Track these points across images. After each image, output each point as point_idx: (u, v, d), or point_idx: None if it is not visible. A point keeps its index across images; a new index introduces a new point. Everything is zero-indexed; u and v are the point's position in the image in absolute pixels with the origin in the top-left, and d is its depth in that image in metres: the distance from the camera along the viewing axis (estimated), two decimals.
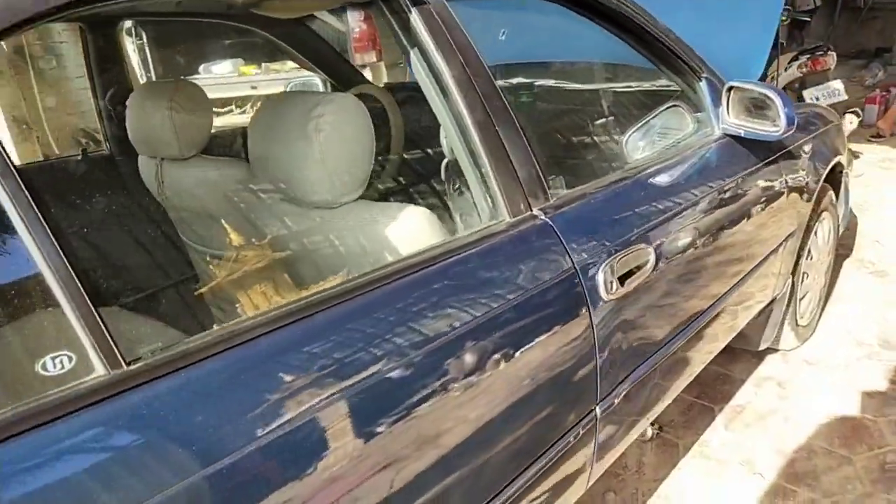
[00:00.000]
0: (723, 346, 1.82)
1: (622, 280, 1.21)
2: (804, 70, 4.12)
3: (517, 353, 1.02)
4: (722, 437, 2.01)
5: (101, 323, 0.66)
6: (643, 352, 1.33)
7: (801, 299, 2.30)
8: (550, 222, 1.13)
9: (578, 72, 2.29)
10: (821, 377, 2.24)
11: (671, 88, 1.74)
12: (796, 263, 2.13)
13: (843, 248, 3.26)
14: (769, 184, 1.76)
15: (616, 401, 1.26)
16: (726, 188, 1.57)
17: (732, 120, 1.63)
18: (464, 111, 1.06)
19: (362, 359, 0.82)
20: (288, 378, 0.75)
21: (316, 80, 2.67)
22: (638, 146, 1.72)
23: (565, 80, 2.37)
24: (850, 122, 4.11)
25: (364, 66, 4.54)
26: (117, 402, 0.65)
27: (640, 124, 1.72)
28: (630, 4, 1.50)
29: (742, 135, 1.63)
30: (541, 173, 1.16)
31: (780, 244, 1.89)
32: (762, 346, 2.21)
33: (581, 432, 1.19)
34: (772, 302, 2.08)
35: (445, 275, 0.97)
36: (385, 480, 0.84)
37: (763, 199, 1.72)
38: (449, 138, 1.11)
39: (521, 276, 1.06)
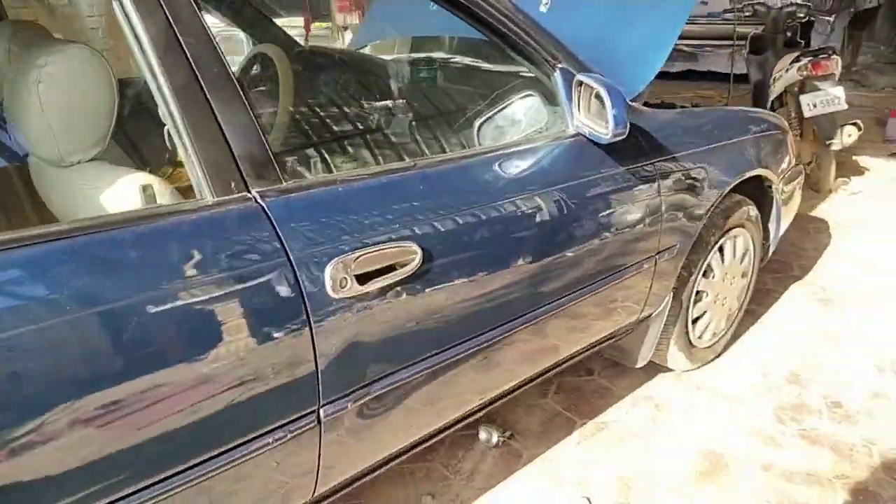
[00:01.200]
0: (550, 363, 1.69)
1: (364, 279, 1.12)
2: (804, 73, 3.84)
3: (212, 341, 0.95)
4: (570, 453, 1.90)
5: None
6: (398, 359, 1.23)
7: (695, 319, 2.15)
8: (266, 207, 1.04)
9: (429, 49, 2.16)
10: (705, 405, 2.11)
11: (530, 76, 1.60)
12: (686, 281, 1.99)
13: (801, 268, 3.06)
14: (627, 192, 1.61)
15: (351, 405, 1.18)
16: (555, 192, 1.44)
17: (580, 117, 1.49)
18: (161, 74, 0.97)
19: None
20: None
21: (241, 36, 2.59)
22: (488, 136, 1.61)
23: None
24: (849, 135, 3.83)
25: (346, 28, 4.46)
26: None
27: (493, 112, 1.60)
28: None
29: (586, 134, 1.49)
30: (269, 152, 1.06)
31: (647, 259, 1.75)
32: (640, 364, 2.08)
33: (295, 432, 1.11)
34: (646, 319, 1.95)
35: (133, 244, 0.90)
36: None
37: (615, 209, 1.58)
38: (159, 104, 1.02)
39: (217, 261, 0.97)
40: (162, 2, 0.97)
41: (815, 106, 3.82)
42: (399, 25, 2.47)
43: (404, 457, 1.46)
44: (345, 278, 1.09)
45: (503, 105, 1.59)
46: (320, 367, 1.10)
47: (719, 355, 2.35)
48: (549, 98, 1.57)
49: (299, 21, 4.52)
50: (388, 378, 1.23)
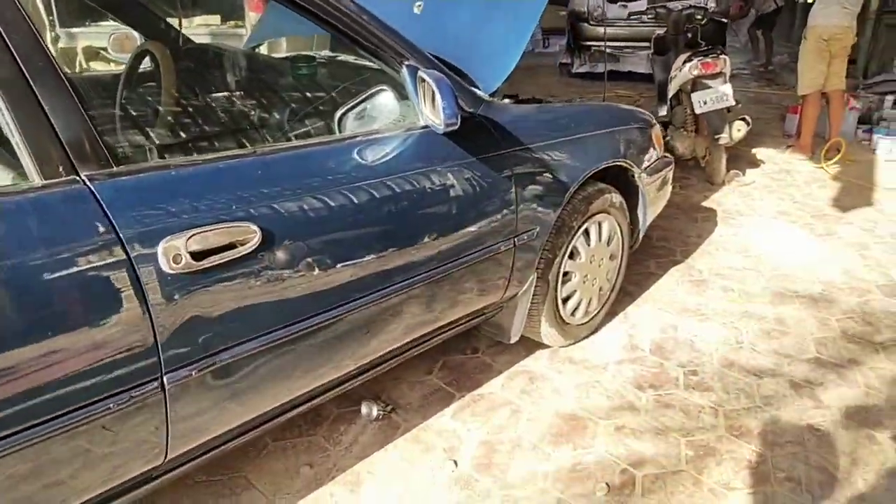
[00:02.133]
0: (409, 339, 1.81)
1: (201, 256, 1.23)
2: (695, 73, 4.09)
3: (28, 312, 1.05)
4: (444, 423, 2.04)
5: None
6: (241, 332, 1.34)
7: (565, 299, 2.31)
8: (94, 189, 1.14)
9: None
10: (573, 376, 2.28)
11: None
12: (551, 262, 2.15)
13: (683, 253, 3.29)
14: (477, 179, 1.76)
15: (195, 374, 1.28)
16: (400, 178, 1.58)
17: (423, 109, 1.63)
18: None
19: None
20: None
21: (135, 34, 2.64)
22: (348, 127, 1.73)
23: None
24: (738, 129, 4.10)
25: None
26: None
27: (352, 104, 1.72)
28: None
29: (429, 125, 1.63)
30: (97, 137, 1.16)
31: (504, 241, 1.90)
32: (513, 339, 2.23)
33: (139, 398, 1.21)
34: (513, 297, 2.10)
35: None
36: None
37: (464, 195, 1.72)
38: None
39: (42, 240, 1.07)
40: None
41: (705, 103, 4.09)
42: (289, 25, 2.57)
43: (268, 425, 1.57)
44: (179, 255, 1.20)
45: (360, 98, 1.72)
46: (160, 337, 1.20)
47: (595, 332, 2.53)
48: (403, 92, 1.71)
49: (216, 19, 4.58)
50: (233, 349, 1.34)
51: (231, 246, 1.27)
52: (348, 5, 1.57)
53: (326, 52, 2.44)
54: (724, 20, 5.83)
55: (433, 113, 1.59)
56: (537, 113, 2.09)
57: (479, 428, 2.02)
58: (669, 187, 2.86)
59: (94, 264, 1.11)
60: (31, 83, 1.09)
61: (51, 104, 1.11)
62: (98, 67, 4.47)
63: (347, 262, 1.48)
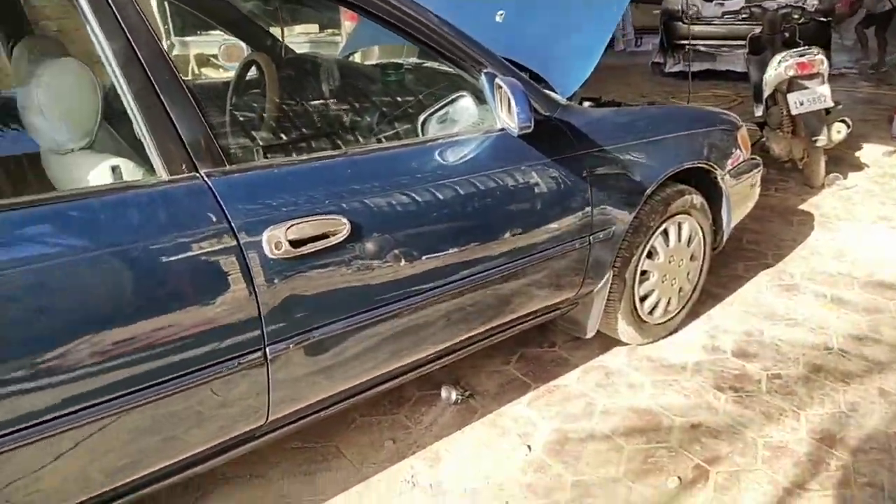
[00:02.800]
0: (486, 328, 1.91)
1: (299, 244, 1.38)
2: (790, 73, 3.96)
3: (154, 288, 1.23)
4: (519, 411, 2.13)
5: None
6: (333, 312, 1.49)
7: (644, 297, 2.34)
8: (211, 184, 1.31)
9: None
10: (650, 374, 2.30)
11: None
12: (628, 261, 2.19)
13: (775, 257, 3.21)
14: (552, 179, 1.84)
15: (293, 347, 1.44)
16: (478, 177, 1.68)
17: (500, 113, 1.72)
18: (122, 79, 1.25)
19: None
20: None
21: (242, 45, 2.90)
22: (430, 130, 1.86)
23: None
24: (838, 131, 3.93)
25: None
26: None
27: (435, 108, 1.85)
28: (395, 3, 1.62)
29: (506, 128, 1.73)
30: (213, 139, 1.34)
31: (579, 239, 1.96)
32: (589, 334, 2.29)
33: (245, 364, 1.38)
34: (589, 293, 2.16)
35: (101, 209, 1.20)
36: None
37: (538, 193, 1.81)
38: (125, 105, 1.31)
39: (166, 227, 1.25)
40: (124, 27, 1.25)
41: (801, 104, 3.95)
42: (380, 35, 2.74)
43: (356, 398, 1.73)
44: (280, 242, 1.36)
45: (442, 103, 1.84)
46: (263, 313, 1.37)
47: (674, 332, 2.54)
48: (482, 98, 1.81)
49: (314, 28, 4.91)
50: (325, 327, 1.49)
51: (324, 236, 1.42)
52: (431, 18, 1.69)
53: (413, 60, 2.58)
54: (827, 19, 5.55)
55: (509, 117, 1.69)
56: (614, 116, 2.15)
57: (554, 417, 2.09)
58: (757, 189, 2.81)
59: (210, 249, 1.29)
60: (159, 93, 1.28)
61: (175, 111, 1.30)
62: (207, 73, 4.86)
63: (428, 254, 1.61)
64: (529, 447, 1.96)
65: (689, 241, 2.44)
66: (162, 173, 1.29)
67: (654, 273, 2.34)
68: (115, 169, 1.33)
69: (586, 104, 2.41)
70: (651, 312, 2.42)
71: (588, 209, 1.96)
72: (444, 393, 2.18)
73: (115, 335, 1.20)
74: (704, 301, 2.74)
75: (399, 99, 2.19)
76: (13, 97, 1.55)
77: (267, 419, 1.50)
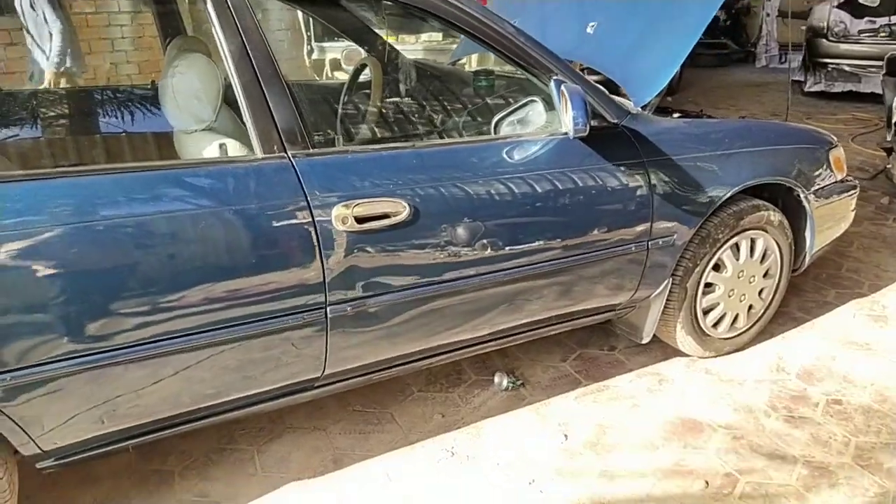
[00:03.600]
0: (535, 318, 2.05)
1: (363, 220, 1.62)
2: None
3: (243, 244, 1.51)
4: (565, 403, 2.26)
5: None
6: (389, 284, 1.71)
7: (707, 310, 2.38)
8: (293, 162, 1.58)
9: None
10: (705, 386, 2.34)
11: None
12: (691, 271, 2.24)
13: (871, 287, 3.08)
14: (612, 183, 1.95)
15: (350, 310, 1.67)
16: (536, 174, 1.84)
17: (563, 117, 1.86)
18: (235, 74, 1.55)
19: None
20: None
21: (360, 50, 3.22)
22: (501, 131, 2.04)
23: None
24: None
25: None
26: None
27: (506, 112, 2.03)
28: (471, 7, 1.82)
29: (566, 132, 1.86)
30: (304, 128, 1.60)
31: (637, 243, 2.05)
32: (645, 339, 2.36)
33: (309, 319, 1.63)
34: (646, 298, 2.24)
35: (186, 180, 1.50)
36: None
37: (596, 194, 1.93)
38: (236, 94, 1.60)
39: (256, 195, 1.54)
40: (240, 31, 1.55)
41: None
42: None
43: (407, 367, 1.95)
44: (346, 217, 1.60)
45: (515, 107, 2.01)
46: (327, 277, 1.62)
47: (740, 349, 2.54)
48: (552, 103, 1.97)
49: (438, 37, 5.23)
50: (380, 297, 1.71)
51: (385, 216, 1.65)
52: (508, 29, 1.87)
53: (502, 68, 2.76)
54: None
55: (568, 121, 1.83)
56: (687, 127, 2.21)
57: (597, 413, 2.20)
58: (852, 214, 2.73)
59: (288, 218, 1.55)
60: (262, 86, 1.56)
61: (273, 101, 1.57)
62: (337, 74, 5.33)
63: (480, 240, 1.79)
64: (566, 436, 2.09)
65: (763, 259, 2.43)
66: (258, 152, 1.57)
67: (720, 286, 2.37)
68: (222, 146, 1.63)
69: (675, 115, 2.49)
70: (715, 326, 2.44)
71: (647, 215, 2.05)
72: (496, 379, 2.35)
73: (210, 278, 1.49)
74: (782, 322, 2.71)
75: (480, 101, 2.39)
76: None
77: (323, 372, 1.76)
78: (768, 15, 9.52)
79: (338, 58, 5.39)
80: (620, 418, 2.17)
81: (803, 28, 8.18)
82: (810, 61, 7.77)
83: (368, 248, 1.65)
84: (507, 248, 1.83)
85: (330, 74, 5.57)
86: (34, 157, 2.16)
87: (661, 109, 2.57)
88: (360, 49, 3.02)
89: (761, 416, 2.16)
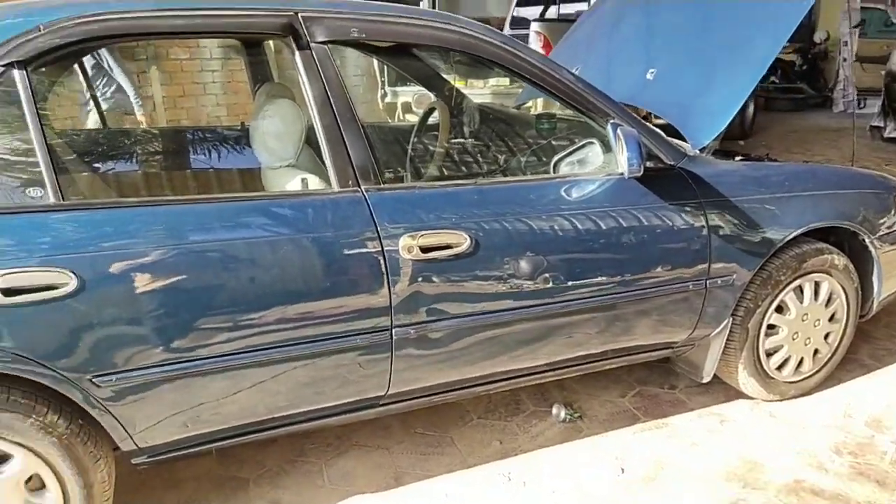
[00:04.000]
0: (589, 352, 2.11)
1: (428, 250, 1.75)
2: None
3: (318, 269, 1.66)
4: (622, 438, 2.28)
5: None
6: (450, 311, 1.81)
7: (770, 352, 2.37)
8: (366, 196, 1.73)
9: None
10: (768, 428, 2.32)
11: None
12: (750, 311, 2.25)
13: None
14: (668, 222, 2.01)
15: (413, 333, 1.79)
16: (591, 212, 1.93)
17: (620, 158, 1.95)
18: (317, 118, 1.72)
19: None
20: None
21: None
22: (560, 171, 2.14)
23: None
24: None
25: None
26: None
27: (565, 153, 2.14)
28: (534, 57, 1.95)
29: (622, 172, 1.95)
30: (376, 165, 1.76)
31: (694, 282, 2.09)
32: (705, 379, 2.36)
33: (376, 340, 1.76)
34: (705, 337, 2.26)
35: (271, 210, 1.67)
36: None
37: (652, 233, 1.99)
38: (317, 135, 1.77)
39: (332, 224, 1.69)
40: (323, 79, 1.73)
41: None
42: None
43: (463, 392, 2.03)
44: (412, 246, 1.73)
45: (573, 148, 2.11)
46: (393, 302, 1.75)
47: (807, 394, 2.50)
48: (609, 145, 2.06)
49: (505, 81, 5.44)
50: (441, 322, 1.82)
51: (448, 246, 1.77)
52: (566, 76, 1.99)
53: (563, 112, 2.88)
54: None
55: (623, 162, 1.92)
56: (746, 169, 2.25)
57: (655, 449, 2.21)
58: None
59: (359, 246, 1.69)
60: (341, 128, 1.73)
61: (350, 142, 1.73)
62: (408, 117, 5.60)
63: (538, 273, 1.88)
64: (623, 469, 2.11)
65: (829, 302, 2.41)
66: (335, 186, 1.73)
67: (784, 328, 2.36)
68: (304, 181, 1.81)
69: (737, 158, 2.53)
70: (779, 369, 2.42)
71: (705, 254, 2.09)
72: (554, 410, 2.40)
73: (288, 299, 1.65)
74: (851, 369, 2.65)
75: (540, 142, 2.50)
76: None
77: (387, 391, 1.87)
78: (845, 60, 9.32)
79: (409, 101, 5.67)
80: (679, 455, 2.17)
81: (882, 73, 7.98)
82: (889, 107, 7.55)
83: (432, 277, 1.77)
84: (562, 281, 1.92)
85: (401, 116, 5.85)
86: (140, 187, 2.42)
87: (725, 153, 2.61)
88: (430, 94, 3.21)
89: (825, 460, 2.12)
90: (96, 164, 2.45)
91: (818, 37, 10.01)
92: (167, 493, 2.01)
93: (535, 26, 7.25)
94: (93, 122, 4.30)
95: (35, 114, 1.49)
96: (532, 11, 8.75)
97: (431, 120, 2.85)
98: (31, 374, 1.48)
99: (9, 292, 1.41)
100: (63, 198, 1.51)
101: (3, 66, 1.47)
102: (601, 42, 3.20)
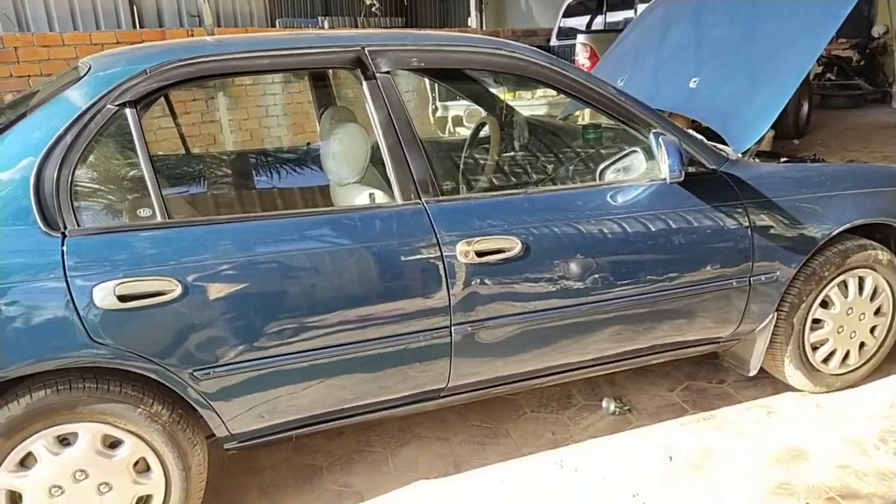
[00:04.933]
0: (637, 346, 2.23)
1: (482, 254, 1.93)
2: None
3: (384, 274, 1.86)
4: (670, 429, 2.40)
5: None
6: (504, 310, 1.99)
7: (816, 345, 2.45)
8: (426, 207, 1.92)
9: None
10: (814, 419, 2.40)
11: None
12: (795, 306, 2.35)
13: None
14: (712, 223, 2.13)
15: (470, 329, 1.97)
16: (637, 215, 2.07)
17: (662, 165, 2.09)
18: (382, 137, 1.93)
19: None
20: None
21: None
22: (607, 177, 2.30)
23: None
24: None
25: None
26: None
27: (610, 161, 2.29)
28: (578, 75, 2.12)
29: (664, 178, 2.08)
30: (434, 179, 1.95)
31: (738, 278, 2.20)
32: (752, 372, 2.45)
33: (436, 337, 1.94)
34: (751, 332, 2.36)
35: (343, 222, 1.88)
36: None
37: (696, 234, 2.12)
38: (382, 153, 1.98)
39: (397, 234, 1.89)
40: (386, 103, 1.94)
41: None
42: None
43: (519, 384, 2.19)
44: (468, 251, 1.91)
45: (617, 157, 2.26)
46: (452, 302, 1.93)
47: (854, 386, 2.56)
48: (651, 153, 2.20)
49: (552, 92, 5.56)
50: (496, 320, 1.99)
51: (501, 251, 1.95)
52: (609, 90, 2.15)
53: (607, 122, 3.02)
54: None
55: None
56: (787, 170, 2.35)
57: (702, 439, 2.32)
58: None
59: (422, 252, 1.89)
60: (403, 146, 1.93)
61: (411, 159, 1.93)
62: (459, 130, 5.81)
63: (585, 273, 2.03)
64: (671, 457, 2.24)
65: (873, 296, 2.48)
66: (398, 199, 1.93)
67: (829, 322, 2.44)
68: (371, 195, 2.02)
69: (782, 160, 2.62)
70: (825, 362, 2.50)
71: (748, 253, 2.20)
72: (604, 403, 2.53)
73: (358, 301, 1.85)
74: None
75: (586, 152, 2.66)
76: (319, 148, 2.38)
77: (447, 384, 2.05)
78: None
79: (459, 115, 5.88)
80: (726, 444, 2.28)
81: None
82: None
83: (486, 279, 1.95)
84: (608, 280, 2.07)
85: (452, 129, 6.07)
86: (227, 205, 2.71)
87: (771, 154, 2.71)
88: (480, 109, 3.40)
89: (870, 448, 2.20)
90: (189, 185, 2.74)
91: (876, 31, 9.77)
92: (249, 479, 2.25)
93: (581, 38, 7.37)
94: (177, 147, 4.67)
95: (144, 144, 1.74)
96: (579, 21, 8.86)
97: (482, 134, 3.05)
98: (140, 370, 1.73)
99: (124, 298, 1.66)
100: (169, 216, 1.75)
101: (118, 105, 1.73)
102: (648, 52, 3.32)
